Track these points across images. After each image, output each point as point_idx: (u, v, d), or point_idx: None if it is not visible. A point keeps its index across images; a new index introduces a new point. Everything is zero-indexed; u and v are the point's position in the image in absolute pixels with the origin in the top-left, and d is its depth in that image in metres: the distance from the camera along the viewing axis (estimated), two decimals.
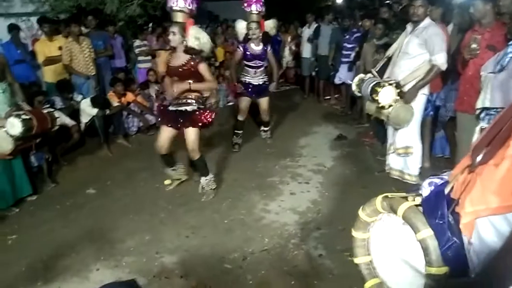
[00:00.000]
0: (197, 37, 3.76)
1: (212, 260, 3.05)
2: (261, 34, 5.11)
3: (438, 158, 4.65)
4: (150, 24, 7.94)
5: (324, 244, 3.17)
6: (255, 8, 5.09)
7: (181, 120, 3.88)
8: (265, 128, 5.85)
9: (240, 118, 5.43)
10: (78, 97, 5.83)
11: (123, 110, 6.09)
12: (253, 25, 5.01)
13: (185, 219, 3.67)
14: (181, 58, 3.84)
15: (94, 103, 5.59)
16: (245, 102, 5.33)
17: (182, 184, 4.37)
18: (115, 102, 5.93)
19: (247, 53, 5.14)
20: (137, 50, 7.36)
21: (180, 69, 3.83)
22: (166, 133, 3.99)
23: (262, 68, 5.33)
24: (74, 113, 5.56)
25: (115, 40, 7.08)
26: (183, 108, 3.86)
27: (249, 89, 5.30)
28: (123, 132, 6.04)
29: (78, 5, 6.86)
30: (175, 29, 3.78)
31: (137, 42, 7.39)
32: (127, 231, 3.48)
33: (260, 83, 5.33)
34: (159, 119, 4.34)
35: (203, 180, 4.10)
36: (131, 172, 4.84)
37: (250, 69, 5.27)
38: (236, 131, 5.49)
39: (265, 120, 5.72)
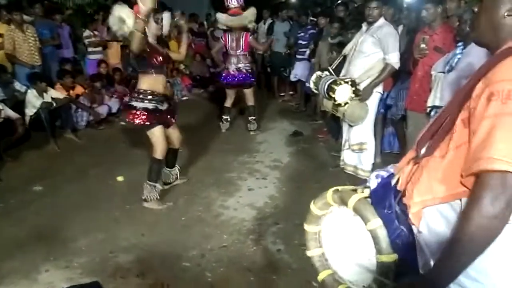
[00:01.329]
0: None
1: (170, 258, 2.98)
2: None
3: (387, 153, 4.84)
4: (100, 14, 7.60)
5: (282, 239, 3.20)
6: (234, 1, 5.65)
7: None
8: (252, 118, 5.99)
9: (227, 104, 6.00)
10: (22, 88, 5.50)
11: (71, 103, 5.81)
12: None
13: (141, 217, 3.56)
14: None
15: (32, 78, 5.33)
16: (230, 91, 5.95)
17: (136, 180, 4.24)
18: (62, 95, 5.65)
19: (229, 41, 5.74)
20: (86, 41, 7.04)
21: None
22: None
23: (243, 55, 5.82)
24: (18, 105, 5.24)
25: (63, 30, 6.77)
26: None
27: (230, 78, 5.80)
28: (71, 126, 5.77)
29: None
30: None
31: (86, 33, 7.08)
32: (78, 229, 3.32)
33: (240, 67, 5.76)
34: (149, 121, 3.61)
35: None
36: (81, 167, 4.64)
37: (232, 57, 5.77)
38: (223, 116, 6.02)
39: (250, 104, 5.97)
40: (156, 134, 3.61)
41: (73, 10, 7.16)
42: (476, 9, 1.26)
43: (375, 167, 4.15)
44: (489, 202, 0.98)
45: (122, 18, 3.48)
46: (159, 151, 3.65)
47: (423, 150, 1.25)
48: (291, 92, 8.20)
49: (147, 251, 3.06)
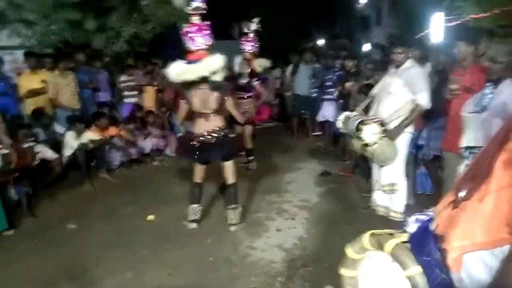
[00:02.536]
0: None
1: None
2: (249, 70, 5.92)
3: (419, 195, 4.70)
4: (128, 60, 8.01)
5: (311, 282, 3.11)
6: (247, 48, 6.04)
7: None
8: (250, 158, 6.20)
9: (248, 146, 6.20)
10: (61, 130, 5.78)
11: (106, 144, 6.04)
12: (244, 62, 5.91)
13: (168, 256, 3.56)
14: None
15: (71, 120, 5.61)
16: (247, 128, 6.04)
17: (165, 220, 4.29)
18: (97, 136, 5.88)
19: (236, 85, 5.84)
20: (122, 85, 7.39)
21: None
22: None
23: (248, 100, 6.00)
24: (57, 145, 5.49)
25: (101, 75, 7.13)
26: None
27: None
28: (105, 166, 5.97)
29: (65, 41, 6.91)
30: None
31: (123, 77, 7.44)
32: (107, 268, 3.36)
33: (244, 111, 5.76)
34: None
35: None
36: (113, 207, 4.74)
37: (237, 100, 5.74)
38: (248, 158, 6.22)
39: (248, 147, 6.16)
40: None
41: (111, 57, 7.57)
42: None
43: (407, 208, 4.04)
44: None
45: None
46: None
47: (462, 193, 1.22)
48: (319, 133, 8.24)
49: None
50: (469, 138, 2.98)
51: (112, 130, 6.27)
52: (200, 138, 3.94)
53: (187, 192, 4.86)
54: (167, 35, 8.30)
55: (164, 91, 7.98)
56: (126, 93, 7.45)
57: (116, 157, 6.23)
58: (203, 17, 3.81)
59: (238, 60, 6.07)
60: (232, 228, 4.06)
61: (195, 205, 4.15)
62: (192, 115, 4.00)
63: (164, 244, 3.78)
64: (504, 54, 2.83)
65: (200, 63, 3.70)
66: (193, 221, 4.12)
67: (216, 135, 3.94)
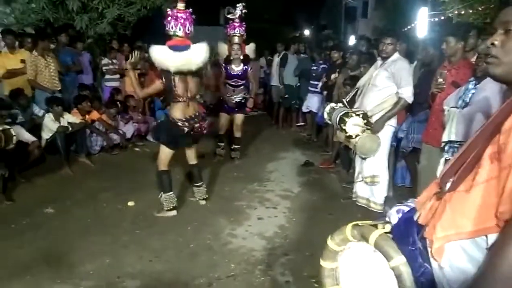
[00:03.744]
0: None
1: (176, 286, 2.95)
2: (242, 56, 5.64)
3: (399, 187, 4.79)
4: (113, 42, 7.85)
5: (291, 270, 3.14)
6: (238, 31, 5.64)
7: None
8: (236, 146, 6.04)
9: (221, 132, 5.96)
10: (40, 112, 5.64)
11: (86, 128, 5.92)
12: (235, 46, 5.59)
13: (149, 243, 3.54)
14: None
15: (50, 102, 5.46)
16: (224, 117, 5.90)
17: (146, 206, 4.25)
18: (78, 119, 5.77)
19: (228, 72, 5.67)
20: (104, 68, 7.23)
21: None
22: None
23: (241, 87, 5.78)
24: (36, 128, 5.35)
25: (83, 57, 6.96)
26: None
27: (228, 106, 5.80)
28: (85, 150, 5.85)
29: (46, 20, 6.71)
30: None
31: (105, 60, 7.28)
32: (87, 253, 3.31)
33: (237, 100, 5.77)
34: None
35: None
36: (92, 192, 4.66)
37: (230, 87, 5.74)
38: (218, 143, 6.00)
39: (236, 136, 5.98)
40: None
41: (93, 39, 7.40)
42: (496, 43, 1.19)
43: (387, 200, 4.10)
44: None
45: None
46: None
47: (447, 185, 1.23)
48: (302, 123, 8.28)
49: (154, 278, 3.03)
50: (450, 132, 3.02)
51: (94, 114, 6.16)
52: (185, 123, 3.92)
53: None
54: (152, 19, 8.16)
55: (146, 75, 7.85)
56: (108, 76, 7.31)
57: (97, 142, 6.12)
58: (190, 3, 3.77)
59: (222, 46, 5.89)
60: (202, 203, 4.30)
61: (170, 193, 4.06)
62: (171, 99, 3.96)
63: (144, 230, 3.75)
64: None
65: (189, 51, 3.71)
66: (173, 208, 4.07)
67: (197, 120, 4.01)
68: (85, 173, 5.40)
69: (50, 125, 5.39)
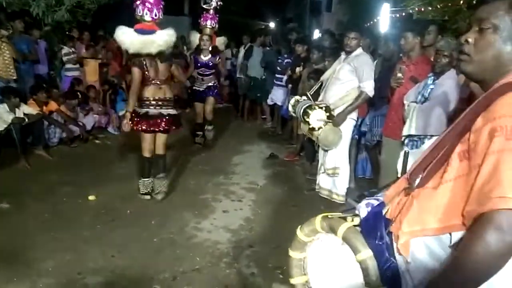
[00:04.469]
0: None
1: (140, 280, 2.90)
2: (211, 47, 5.90)
3: (360, 178, 4.92)
4: (73, 31, 7.57)
5: (256, 262, 3.16)
6: (209, 23, 6.02)
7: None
8: (209, 127, 6.25)
9: (198, 120, 6.24)
10: None
11: (44, 119, 5.68)
12: (205, 37, 5.87)
13: (111, 238, 3.46)
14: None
15: (4, 92, 5.22)
16: (198, 106, 6.15)
17: (107, 200, 4.14)
18: (35, 110, 5.52)
19: (197, 61, 5.93)
20: (65, 58, 6.96)
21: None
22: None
23: (210, 76, 6.04)
24: None
25: (39, 45, 6.66)
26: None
27: (198, 94, 6.09)
28: (43, 143, 5.62)
29: None
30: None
31: (65, 49, 7.00)
32: (45, 249, 3.19)
33: (207, 86, 6.03)
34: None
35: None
36: (51, 186, 4.49)
37: (199, 76, 6.03)
38: (196, 132, 6.25)
39: (208, 118, 6.19)
40: None
41: (51, 27, 7.07)
42: (470, 40, 1.19)
43: (349, 191, 4.21)
44: (496, 241, 0.97)
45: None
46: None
47: (416, 181, 1.24)
48: (264, 116, 8.30)
49: (117, 274, 2.96)
50: (410, 126, 3.12)
51: (52, 105, 5.92)
52: (152, 102, 4.02)
53: (130, 171, 4.76)
54: (113, 6, 7.89)
55: (109, 65, 7.63)
56: (68, 66, 7.03)
57: (55, 134, 5.88)
58: None
59: (195, 35, 6.18)
60: (159, 197, 4.18)
61: (147, 179, 4.20)
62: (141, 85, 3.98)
63: (106, 225, 3.66)
64: (450, 47, 2.96)
65: (156, 35, 3.80)
66: (145, 193, 4.19)
67: (168, 104, 4.11)
68: (43, 166, 5.19)
69: (4, 116, 5.13)
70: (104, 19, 8.33)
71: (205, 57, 5.91)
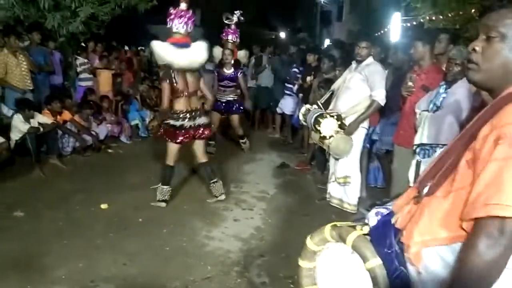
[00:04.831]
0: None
1: None
2: (233, 60, 6.18)
3: (372, 188, 4.89)
4: (86, 42, 7.71)
5: (267, 272, 3.15)
6: (231, 37, 6.47)
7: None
8: (242, 140, 6.56)
9: (240, 133, 6.49)
10: (9, 112, 5.46)
11: (58, 129, 5.77)
12: (227, 52, 6.14)
13: (123, 246, 3.48)
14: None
15: (20, 104, 5.30)
16: (215, 116, 6.16)
17: (119, 208, 4.18)
18: (49, 120, 5.62)
19: (220, 74, 6.19)
20: (80, 68, 7.09)
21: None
22: None
23: (231, 88, 6.25)
24: (4, 129, 5.18)
25: (54, 56, 6.80)
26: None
27: (219, 105, 6.18)
28: (57, 152, 5.70)
29: (16, 17, 6.50)
30: None
31: (80, 60, 7.14)
32: (59, 257, 3.23)
33: (229, 99, 6.24)
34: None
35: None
36: (64, 194, 4.55)
37: (221, 88, 6.24)
38: (209, 142, 6.06)
39: (239, 133, 6.51)
40: None
41: (66, 38, 7.22)
42: (477, 49, 1.18)
43: (360, 201, 4.18)
44: (487, 247, 0.98)
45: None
46: None
47: (425, 190, 1.24)
48: (274, 126, 8.33)
49: (129, 282, 2.98)
50: (422, 135, 3.11)
51: (66, 115, 6.01)
52: (186, 114, 4.10)
53: (143, 180, 4.80)
54: (126, 18, 8.03)
55: (122, 75, 7.74)
56: (82, 76, 7.16)
57: (69, 143, 5.97)
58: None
59: (217, 50, 6.38)
60: (222, 197, 4.38)
61: (167, 187, 4.27)
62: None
63: (118, 233, 3.69)
64: (462, 56, 2.95)
65: (190, 49, 3.96)
66: (162, 200, 4.23)
67: (198, 114, 4.21)
68: (56, 175, 5.26)
69: (20, 126, 5.23)
70: (117, 30, 8.48)
71: (228, 71, 6.14)
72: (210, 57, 7.53)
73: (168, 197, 4.30)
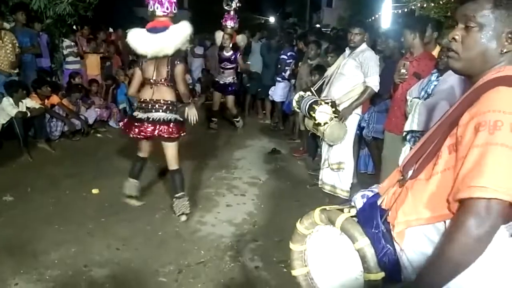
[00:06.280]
0: None
1: (146, 273, 2.92)
2: (231, 44, 6.65)
3: (362, 174, 4.95)
4: (77, 25, 7.56)
5: (261, 256, 3.19)
6: (229, 23, 6.85)
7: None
8: (236, 119, 7.01)
9: (214, 108, 7.05)
10: None
11: (46, 113, 5.68)
12: (226, 36, 6.64)
13: (116, 230, 3.48)
14: None
15: (11, 86, 5.22)
16: (216, 96, 6.98)
17: (111, 193, 4.16)
18: (37, 104, 5.52)
19: (220, 56, 6.74)
20: (67, 51, 6.94)
21: None
22: None
23: (230, 70, 6.76)
24: None
25: (40, 38, 6.63)
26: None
27: (218, 86, 6.85)
28: (45, 136, 5.62)
29: None
30: None
31: (67, 42, 6.99)
32: (51, 242, 3.21)
33: (226, 82, 6.75)
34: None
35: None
36: (54, 178, 4.51)
37: (221, 69, 6.80)
38: (212, 118, 7.02)
39: (233, 112, 6.99)
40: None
41: (53, 20, 7.05)
42: (457, 38, 1.22)
43: (353, 187, 4.23)
44: (475, 226, 1.04)
45: None
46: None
47: (409, 173, 1.30)
48: (264, 111, 8.32)
49: (122, 266, 2.99)
50: (412, 122, 3.14)
51: (54, 99, 5.91)
52: (141, 104, 3.61)
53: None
54: (113, 0, 7.86)
55: (110, 59, 7.62)
56: (69, 59, 7.02)
57: (57, 127, 5.89)
58: None
59: (219, 34, 6.85)
60: (182, 219, 3.67)
61: (133, 180, 3.88)
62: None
63: (110, 218, 3.68)
64: None
65: (165, 33, 3.41)
66: (129, 197, 3.89)
67: (153, 108, 3.58)
68: (45, 159, 5.20)
69: (8, 110, 5.12)
70: (106, 12, 8.30)
71: (227, 53, 6.65)
72: (200, 41, 7.97)
73: (138, 193, 3.91)
